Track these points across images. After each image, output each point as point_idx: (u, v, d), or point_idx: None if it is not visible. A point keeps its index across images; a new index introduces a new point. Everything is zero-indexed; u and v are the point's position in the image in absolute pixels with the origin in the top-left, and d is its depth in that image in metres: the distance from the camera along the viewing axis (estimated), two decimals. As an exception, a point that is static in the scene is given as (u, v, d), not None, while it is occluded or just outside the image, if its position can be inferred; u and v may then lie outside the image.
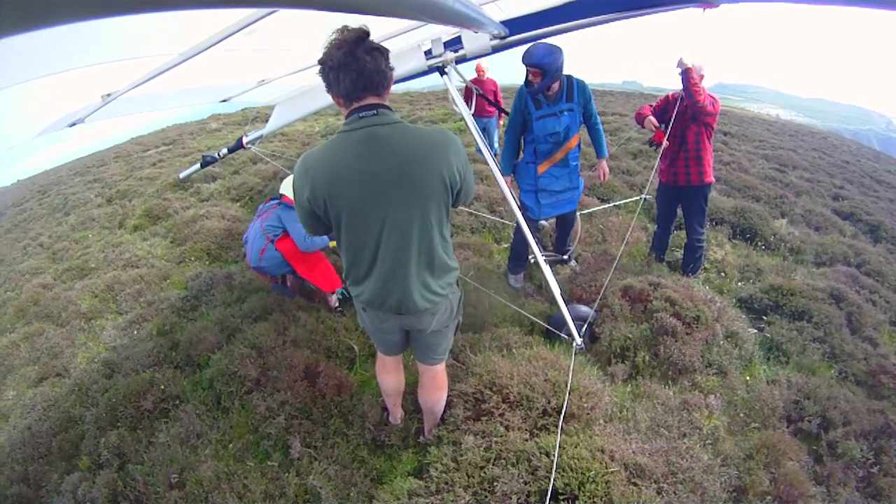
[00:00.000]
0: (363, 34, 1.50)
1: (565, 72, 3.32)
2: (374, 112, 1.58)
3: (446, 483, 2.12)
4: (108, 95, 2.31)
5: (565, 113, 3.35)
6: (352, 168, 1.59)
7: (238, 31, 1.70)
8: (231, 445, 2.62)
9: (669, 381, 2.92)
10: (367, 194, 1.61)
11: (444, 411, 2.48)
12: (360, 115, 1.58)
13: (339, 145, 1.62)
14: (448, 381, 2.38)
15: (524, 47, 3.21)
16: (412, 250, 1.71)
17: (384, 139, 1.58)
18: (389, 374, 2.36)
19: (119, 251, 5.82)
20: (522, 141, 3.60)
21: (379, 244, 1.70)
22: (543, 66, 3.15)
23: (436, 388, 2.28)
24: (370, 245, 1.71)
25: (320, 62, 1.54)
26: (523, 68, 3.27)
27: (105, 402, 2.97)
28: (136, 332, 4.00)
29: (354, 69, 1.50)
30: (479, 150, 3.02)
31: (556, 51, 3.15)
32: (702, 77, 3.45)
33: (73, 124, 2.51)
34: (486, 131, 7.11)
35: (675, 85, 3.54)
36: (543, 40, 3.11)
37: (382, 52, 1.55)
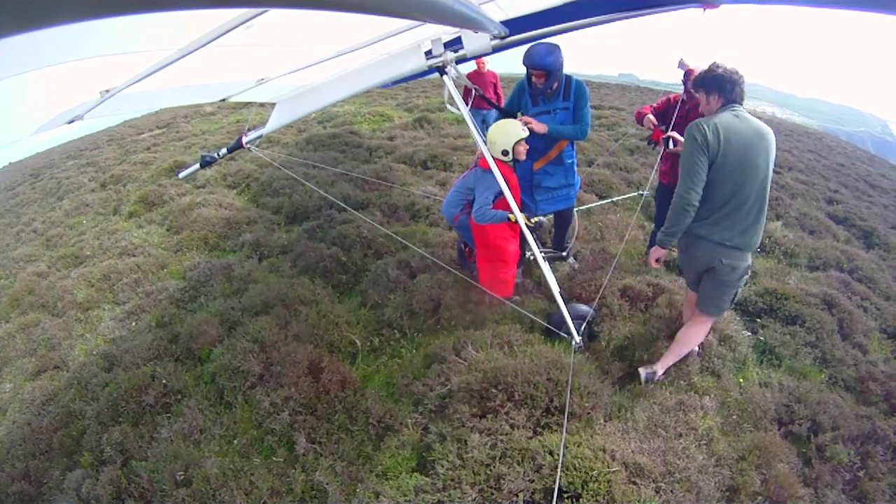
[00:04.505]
0: None
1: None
2: None
3: (453, 480, 2.16)
4: (107, 92, 2.26)
5: (560, 111, 3.36)
6: None
7: (238, 26, 1.68)
8: (235, 441, 2.63)
9: (665, 382, 2.98)
10: None
11: (448, 407, 2.52)
12: None
13: None
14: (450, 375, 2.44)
15: (524, 47, 3.20)
16: None
17: None
18: None
19: (114, 239, 5.73)
20: None
21: None
22: (546, 67, 3.16)
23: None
24: None
25: None
26: (522, 57, 3.25)
27: (105, 396, 2.96)
28: (134, 324, 3.97)
29: None
30: (478, 144, 3.05)
31: (556, 50, 3.15)
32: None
33: (72, 121, 2.45)
34: (485, 123, 7.09)
35: (671, 79, 3.54)
36: (542, 40, 3.11)
37: None
